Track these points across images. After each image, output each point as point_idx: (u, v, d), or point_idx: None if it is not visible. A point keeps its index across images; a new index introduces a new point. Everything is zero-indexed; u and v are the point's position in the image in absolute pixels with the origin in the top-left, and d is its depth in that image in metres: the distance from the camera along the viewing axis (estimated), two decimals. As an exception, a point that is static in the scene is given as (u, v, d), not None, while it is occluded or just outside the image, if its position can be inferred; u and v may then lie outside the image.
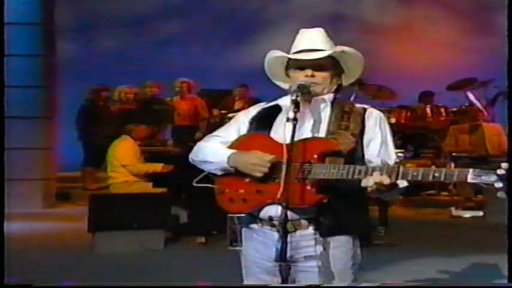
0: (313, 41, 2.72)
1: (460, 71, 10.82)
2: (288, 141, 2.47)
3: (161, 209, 6.70)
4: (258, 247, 2.71)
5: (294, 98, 2.52)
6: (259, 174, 2.58)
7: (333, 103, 2.71)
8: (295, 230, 2.58)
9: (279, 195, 2.43)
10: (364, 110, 2.72)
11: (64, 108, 10.11)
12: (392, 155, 2.67)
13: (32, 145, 9.24)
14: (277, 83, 2.88)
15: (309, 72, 2.67)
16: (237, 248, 6.35)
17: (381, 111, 2.85)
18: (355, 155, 2.60)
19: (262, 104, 2.88)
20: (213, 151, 2.75)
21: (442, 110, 10.44)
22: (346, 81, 2.81)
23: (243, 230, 2.78)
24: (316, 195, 2.52)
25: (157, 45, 13.32)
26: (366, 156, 2.63)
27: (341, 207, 2.57)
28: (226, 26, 13.90)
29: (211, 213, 6.78)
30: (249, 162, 2.60)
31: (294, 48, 2.73)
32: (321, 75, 2.68)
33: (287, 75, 2.79)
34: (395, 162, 2.46)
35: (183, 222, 6.99)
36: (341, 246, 2.64)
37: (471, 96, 10.16)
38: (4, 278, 3.81)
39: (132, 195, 6.93)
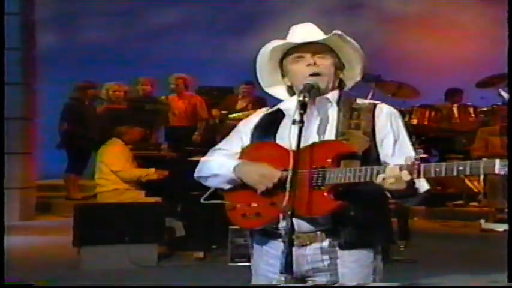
0: (307, 32, 2.80)
1: (491, 65, 10.84)
2: (294, 145, 2.54)
3: (155, 220, 6.79)
4: (270, 261, 2.79)
5: (301, 98, 2.59)
6: (262, 188, 2.66)
7: (338, 102, 2.79)
8: (310, 243, 2.67)
9: (284, 203, 2.50)
10: (374, 105, 2.79)
11: (45, 108, 10.21)
12: (411, 154, 2.68)
13: (9, 149, 9.29)
14: (271, 90, 2.94)
15: (310, 60, 2.74)
16: (239, 263, 6.45)
17: (400, 110, 2.93)
18: (371, 156, 2.68)
19: (263, 109, 2.96)
20: (219, 163, 2.83)
21: (471, 109, 10.49)
22: (348, 82, 2.87)
23: (253, 243, 2.88)
24: (334, 201, 2.59)
25: (149, 37, 13.40)
26: (381, 157, 2.71)
27: (361, 216, 2.65)
28: (227, 14, 13.98)
29: (210, 226, 6.93)
30: (256, 173, 2.68)
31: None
32: (324, 64, 2.76)
33: (283, 75, 2.86)
34: (415, 159, 2.51)
35: (179, 235, 7.08)
36: (359, 260, 2.72)
37: (504, 94, 10.19)
38: (4, 278, 3.92)
39: (122, 205, 7.01)
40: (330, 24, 2.91)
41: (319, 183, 2.60)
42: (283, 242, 2.51)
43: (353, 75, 2.88)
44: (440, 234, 8.47)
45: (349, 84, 2.88)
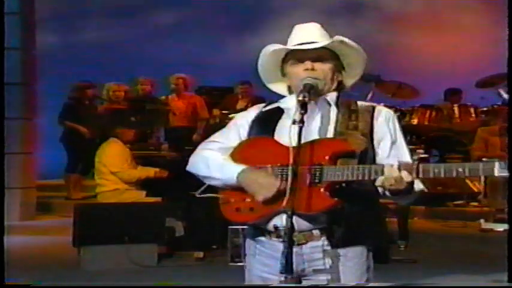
0: (309, 34, 2.82)
1: (491, 65, 10.85)
2: (294, 144, 2.55)
3: (155, 220, 6.79)
4: (265, 261, 2.80)
5: (300, 98, 2.61)
6: (261, 198, 2.66)
7: (337, 103, 2.81)
8: (307, 241, 2.68)
9: (284, 203, 2.52)
10: (373, 108, 2.83)
11: (45, 108, 10.21)
12: (406, 157, 2.75)
13: (9, 149, 9.27)
14: (272, 86, 2.97)
15: (308, 64, 2.76)
16: (239, 263, 6.45)
17: (400, 110, 2.96)
18: (367, 157, 2.70)
19: (260, 105, 2.97)
20: (219, 165, 2.80)
21: (471, 109, 10.51)
22: (347, 81, 2.89)
23: (247, 242, 2.89)
24: (329, 199, 2.61)
25: (149, 37, 13.40)
26: (377, 159, 2.74)
27: (356, 215, 2.68)
28: (227, 15, 13.97)
29: (210, 226, 6.94)
30: (256, 182, 2.67)
31: (290, 44, 2.83)
32: (321, 68, 2.78)
33: (283, 74, 2.89)
34: (414, 159, 2.57)
35: (179, 235, 7.08)
36: (355, 258, 2.73)
37: (504, 94, 10.19)
38: (4, 278, 3.91)
39: (122, 205, 7.01)
40: (330, 24, 2.91)
41: (316, 180, 2.61)
42: (283, 241, 2.52)
43: (353, 74, 2.90)
44: (440, 234, 8.46)
45: (348, 83, 2.90)
